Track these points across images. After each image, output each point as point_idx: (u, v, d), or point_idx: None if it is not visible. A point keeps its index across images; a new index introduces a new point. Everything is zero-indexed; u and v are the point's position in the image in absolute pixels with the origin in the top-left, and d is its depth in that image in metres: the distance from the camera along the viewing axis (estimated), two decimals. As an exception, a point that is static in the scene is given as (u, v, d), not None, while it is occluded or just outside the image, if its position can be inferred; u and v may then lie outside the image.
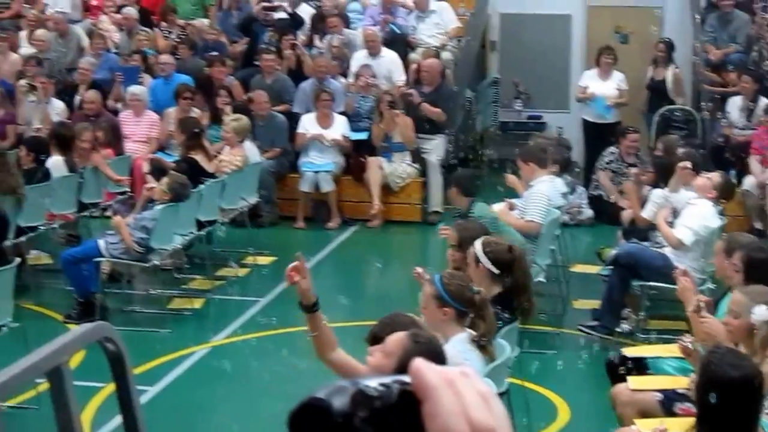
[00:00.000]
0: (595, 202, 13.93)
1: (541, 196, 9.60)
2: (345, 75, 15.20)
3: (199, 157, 11.76)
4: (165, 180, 10.50)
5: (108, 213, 11.11)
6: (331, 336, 5.17)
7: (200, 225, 11.21)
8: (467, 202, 9.42)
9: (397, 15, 16.16)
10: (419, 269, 6.40)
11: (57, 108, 14.23)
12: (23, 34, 16.62)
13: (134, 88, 14.35)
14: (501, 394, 5.76)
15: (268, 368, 8.82)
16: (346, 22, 16.12)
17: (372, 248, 13.17)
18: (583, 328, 9.49)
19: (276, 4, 16.36)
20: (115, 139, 13.34)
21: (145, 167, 12.72)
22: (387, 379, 1.05)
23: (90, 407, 7.50)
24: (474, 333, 5.49)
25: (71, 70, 15.60)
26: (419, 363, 1.05)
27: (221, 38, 16.19)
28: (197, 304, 10.55)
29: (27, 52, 15.95)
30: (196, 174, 11.31)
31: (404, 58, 15.30)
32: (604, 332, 9.32)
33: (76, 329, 2.11)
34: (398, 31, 15.76)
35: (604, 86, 15.05)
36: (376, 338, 4.74)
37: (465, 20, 16.44)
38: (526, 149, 10.41)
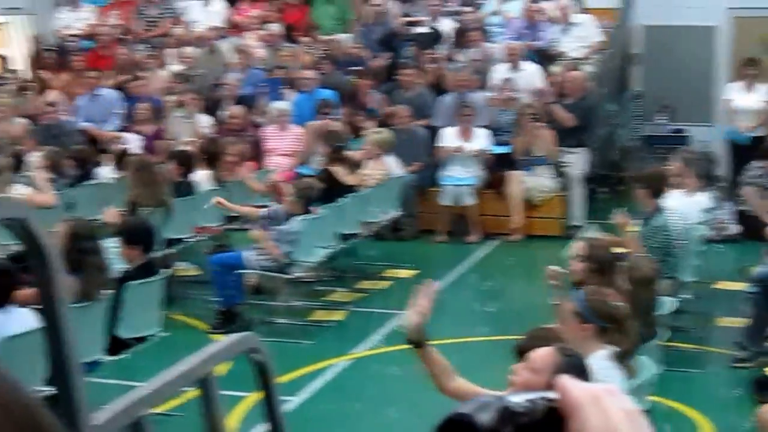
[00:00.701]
0: (742, 217, 13.59)
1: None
2: (486, 89, 15.16)
3: (339, 171, 11.84)
4: (291, 190, 10.62)
5: (246, 226, 11.25)
6: (446, 366, 5.12)
7: (342, 238, 11.28)
8: (655, 204, 9.16)
9: (539, 28, 16.10)
10: (553, 267, 6.31)
11: (204, 123, 14.53)
12: (171, 52, 17.03)
13: (278, 104, 14.57)
14: (643, 413, 5.64)
15: (408, 381, 8.79)
16: (487, 36, 16.11)
17: (512, 263, 13.07)
18: (735, 365, 9.09)
19: (417, 18, 16.44)
20: (257, 153, 13.55)
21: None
22: (533, 396, 1.05)
23: (234, 415, 7.61)
24: (615, 349, 5.40)
25: (217, 86, 15.91)
26: (565, 380, 1.04)
27: (363, 53, 16.32)
28: (339, 316, 10.63)
29: (175, 69, 16.35)
30: (334, 186, 11.41)
31: (546, 71, 15.21)
32: (755, 360, 8.99)
33: (223, 340, 2.15)
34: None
35: (748, 99, 14.73)
36: (521, 352, 4.70)
37: (608, 33, 16.27)
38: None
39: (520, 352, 4.73)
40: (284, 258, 10.03)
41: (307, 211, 10.41)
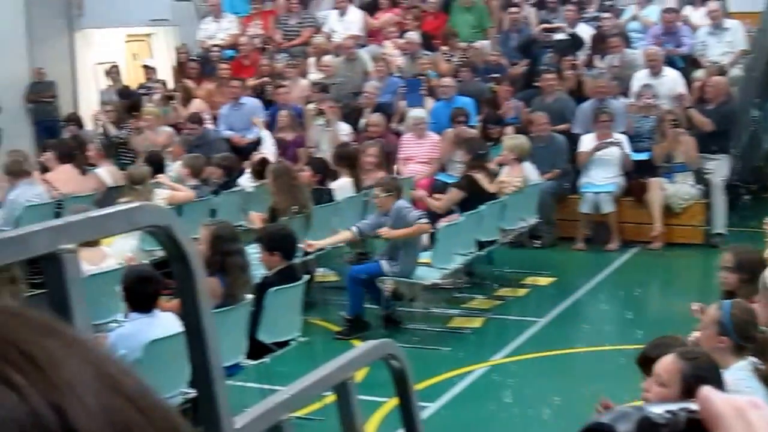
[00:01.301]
0: None
1: None
2: (626, 95, 14.98)
3: (480, 178, 11.83)
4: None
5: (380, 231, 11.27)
6: None
7: (480, 245, 11.26)
8: None
9: (681, 33, 15.84)
10: (696, 305, 6.19)
11: (343, 131, 14.66)
12: (311, 61, 17.24)
13: (416, 112, 14.60)
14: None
15: (546, 389, 8.75)
16: (627, 42, 15.91)
17: (652, 271, 12.88)
18: None
19: (556, 25, 16.33)
20: (389, 161, 13.56)
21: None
22: (673, 407, 1.03)
23: (373, 421, 7.64)
24: (756, 361, 5.23)
25: (357, 94, 16.03)
26: (707, 391, 1.02)
27: (501, 60, 16.28)
28: (477, 323, 10.60)
29: (315, 77, 16.54)
30: (475, 193, 11.39)
31: (687, 77, 14.97)
32: None
33: (362, 346, 2.16)
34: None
35: None
36: (646, 360, 4.61)
37: (751, 37, 15.92)
38: None
39: (644, 362, 4.65)
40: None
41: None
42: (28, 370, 0.64)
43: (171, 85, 17.80)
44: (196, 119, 15.05)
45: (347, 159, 12.36)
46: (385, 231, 10.13)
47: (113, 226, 1.46)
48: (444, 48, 16.85)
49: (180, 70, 18.17)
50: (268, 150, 14.59)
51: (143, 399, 0.67)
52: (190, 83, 17.11)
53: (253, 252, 9.48)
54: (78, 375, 0.66)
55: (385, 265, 10.14)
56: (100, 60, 19.41)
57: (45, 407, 0.63)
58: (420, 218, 10.31)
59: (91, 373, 0.67)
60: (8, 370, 0.64)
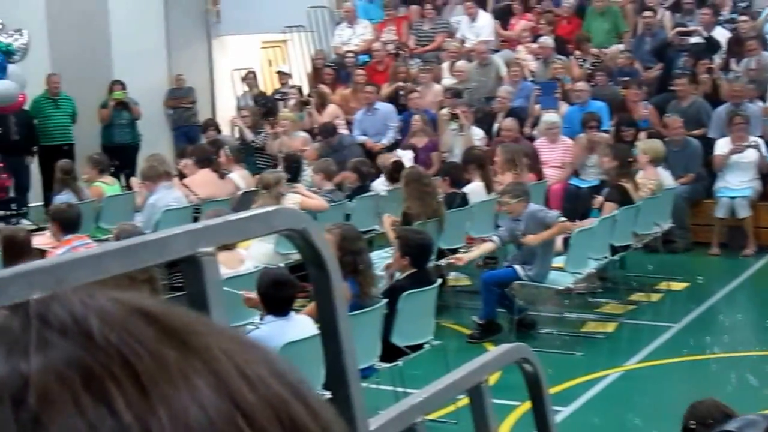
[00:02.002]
0: None
1: None
2: (762, 99, 14.66)
3: (628, 185, 11.64)
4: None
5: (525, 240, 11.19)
6: None
7: (614, 250, 11.13)
8: None
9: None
10: None
11: (477, 135, 14.65)
12: (445, 66, 17.27)
13: (550, 116, 14.51)
14: None
15: (679, 395, 8.60)
16: (764, 45, 15.57)
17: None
18: None
19: (691, 28, 16.06)
20: (535, 164, 13.50)
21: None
22: None
23: (506, 424, 7.61)
24: None
25: (490, 99, 16.01)
26: None
27: (635, 64, 16.09)
28: (610, 328, 10.48)
29: (448, 82, 16.56)
30: (625, 203, 11.28)
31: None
32: None
33: (495, 350, 2.15)
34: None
35: None
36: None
37: None
38: None
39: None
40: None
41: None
42: (127, 387, 0.59)
43: (306, 90, 18.00)
44: (329, 129, 15.17)
45: (476, 162, 12.35)
46: (530, 238, 10.03)
47: (251, 230, 1.48)
48: (577, 52, 16.72)
49: (315, 75, 18.36)
50: (404, 154, 14.66)
51: (306, 392, 0.65)
52: (325, 89, 17.28)
53: (384, 255, 9.55)
54: (198, 390, 0.61)
55: (519, 269, 10.08)
56: (237, 66, 19.72)
57: (136, 428, 0.58)
58: (558, 217, 10.25)
59: (235, 370, 0.63)
60: (108, 385, 0.59)
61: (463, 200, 11.68)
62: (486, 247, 10.36)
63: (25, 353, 0.60)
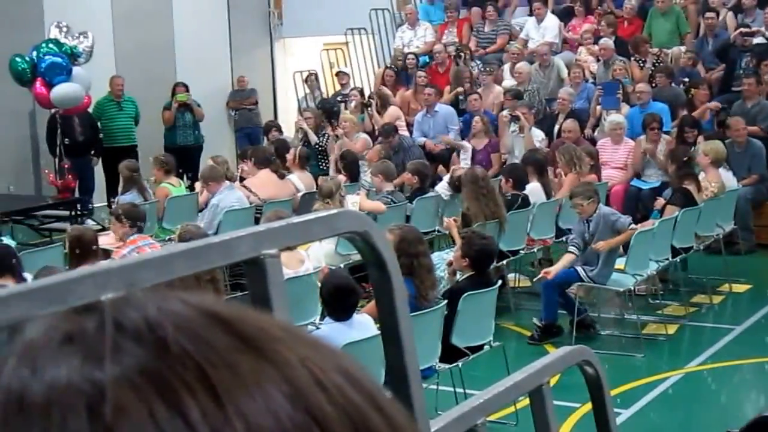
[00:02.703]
0: None
1: None
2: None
3: (691, 187, 11.54)
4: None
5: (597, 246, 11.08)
6: None
7: (675, 252, 11.05)
8: None
9: None
10: None
11: (537, 137, 14.62)
12: (506, 68, 17.24)
13: (615, 117, 14.43)
14: None
15: (742, 397, 8.53)
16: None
17: None
18: None
19: (754, 29, 15.90)
20: (595, 165, 13.43)
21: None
22: None
23: (566, 426, 7.58)
24: None
25: (551, 101, 15.97)
26: None
27: (697, 65, 15.95)
28: (671, 330, 10.40)
29: (508, 84, 16.53)
30: (688, 205, 11.20)
31: None
32: None
33: (556, 352, 2.15)
34: None
35: None
36: None
37: None
38: None
39: None
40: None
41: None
42: (202, 398, 0.58)
43: (367, 92, 18.04)
44: (390, 130, 15.18)
45: (536, 164, 12.31)
46: (601, 245, 9.96)
47: (314, 232, 1.49)
48: (638, 54, 16.60)
49: (377, 77, 18.41)
50: (467, 160, 14.67)
51: (383, 401, 0.64)
52: (386, 90, 17.31)
53: (445, 256, 9.55)
54: (273, 400, 0.60)
55: (581, 270, 10.03)
56: (299, 68, 19.82)
57: None
58: (631, 223, 10.19)
59: (312, 379, 0.61)
60: (183, 395, 0.58)
61: (525, 201, 11.65)
62: (568, 259, 10.22)
63: (100, 361, 0.59)
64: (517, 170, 12.27)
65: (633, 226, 10.21)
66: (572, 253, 10.15)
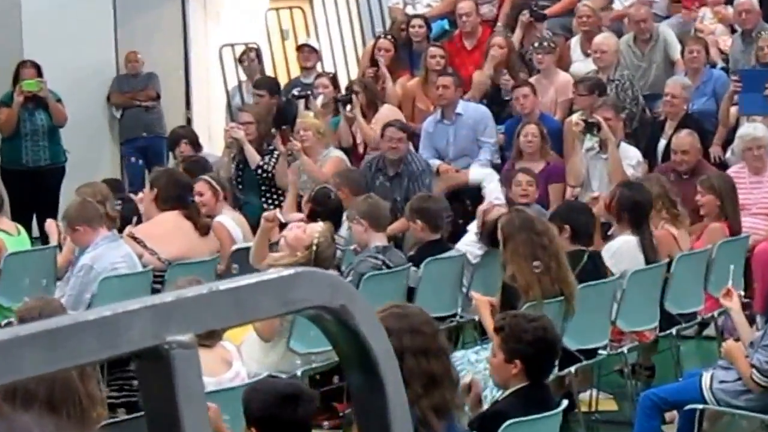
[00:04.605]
0: None
1: None
2: None
3: None
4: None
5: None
6: None
7: None
8: None
9: None
10: None
11: (629, 158, 14.83)
12: (575, 42, 17.42)
13: (751, 128, 14.54)
14: None
15: None
16: None
17: None
18: None
19: None
20: (732, 206, 13.52)
21: None
22: None
23: None
24: None
25: (653, 98, 16.21)
26: None
27: None
28: None
29: (581, 69, 16.73)
30: None
31: None
32: None
33: None
34: None
35: None
36: None
37: None
38: None
39: None
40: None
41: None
42: None
43: (345, 81, 18.10)
44: (405, 127, 15.26)
45: (628, 203, 12.38)
46: None
47: (253, 306, 1.48)
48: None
49: (363, 55, 18.50)
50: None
51: None
52: (384, 74, 17.42)
53: (473, 358, 9.62)
54: None
55: (709, 380, 10.07)
56: (229, 40, 19.92)
57: None
58: None
59: None
60: None
61: (595, 264, 11.60)
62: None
63: None
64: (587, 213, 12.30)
65: None
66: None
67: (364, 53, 18.78)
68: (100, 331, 1.25)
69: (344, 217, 12.99)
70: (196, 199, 13.21)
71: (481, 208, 13.61)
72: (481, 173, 15.52)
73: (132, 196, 14.35)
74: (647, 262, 12.11)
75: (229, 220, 13.35)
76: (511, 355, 8.43)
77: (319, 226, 11.18)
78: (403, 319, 7.57)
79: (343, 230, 12.99)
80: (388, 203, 13.04)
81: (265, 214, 12.27)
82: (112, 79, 19.70)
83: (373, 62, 17.82)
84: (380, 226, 12.40)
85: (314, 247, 10.80)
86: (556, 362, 9.29)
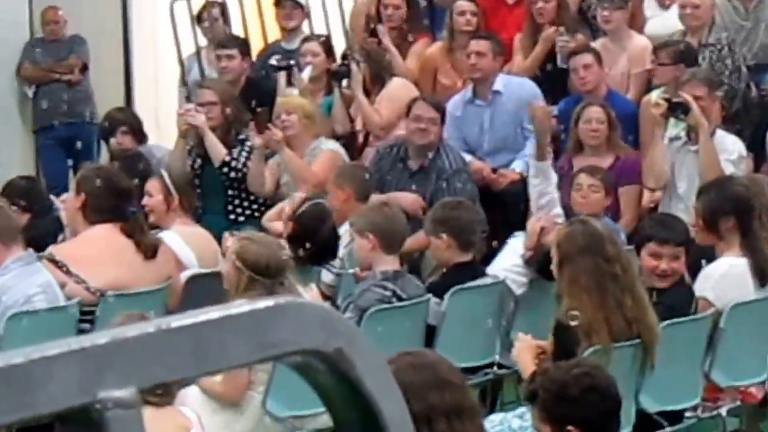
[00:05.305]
0: None
1: None
2: None
3: None
4: None
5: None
6: None
7: None
8: None
9: None
10: None
11: (728, 152, 14.93)
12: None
13: None
14: None
15: None
16: None
17: None
18: None
19: None
20: None
21: None
22: None
23: None
24: None
25: (761, 70, 16.25)
26: None
27: None
28: None
29: (661, 31, 16.81)
30: None
31: None
32: None
33: None
34: None
35: None
36: None
37: None
38: None
39: None
40: None
41: None
42: None
43: (341, 47, 18.22)
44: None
45: (736, 210, 12.48)
46: None
47: (219, 352, 1.48)
48: None
49: (364, 12, 18.63)
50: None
51: None
52: (386, 42, 17.54)
53: (518, 423, 9.72)
54: None
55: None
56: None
57: None
58: None
59: None
60: None
61: (681, 297, 11.65)
62: None
63: None
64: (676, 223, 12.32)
65: None
66: None
67: (354, 12, 18.85)
68: (9, 385, 1.25)
69: (342, 229, 13.06)
70: (145, 201, 13.27)
71: (535, 222, 13.43)
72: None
73: (54, 200, 14.32)
74: (762, 283, 12.04)
75: (176, 238, 13.26)
76: (558, 423, 8.36)
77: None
78: (424, 371, 7.33)
79: (341, 247, 12.99)
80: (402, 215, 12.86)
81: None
82: (24, 45, 19.80)
83: (372, 32, 17.90)
84: (393, 247, 12.25)
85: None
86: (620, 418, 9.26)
